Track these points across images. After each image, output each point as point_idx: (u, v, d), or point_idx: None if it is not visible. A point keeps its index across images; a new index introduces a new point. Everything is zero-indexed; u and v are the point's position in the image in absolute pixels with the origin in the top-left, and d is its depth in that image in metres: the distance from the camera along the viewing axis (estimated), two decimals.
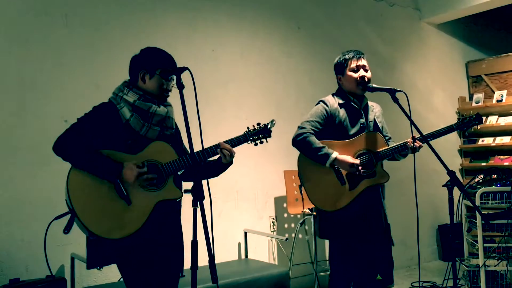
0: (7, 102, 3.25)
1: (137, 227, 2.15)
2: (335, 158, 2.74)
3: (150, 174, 2.17)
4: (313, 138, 2.79)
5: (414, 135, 2.81)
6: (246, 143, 2.43)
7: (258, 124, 2.46)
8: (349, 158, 2.76)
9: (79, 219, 2.09)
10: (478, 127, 2.94)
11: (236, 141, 2.38)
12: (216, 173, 2.43)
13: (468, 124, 2.86)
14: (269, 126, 2.46)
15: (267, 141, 2.47)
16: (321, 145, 2.77)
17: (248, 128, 2.44)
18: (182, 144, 2.46)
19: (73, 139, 2.14)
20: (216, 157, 2.36)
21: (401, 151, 2.82)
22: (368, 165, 2.82)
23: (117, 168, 2.12)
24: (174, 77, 2.21)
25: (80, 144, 2.13)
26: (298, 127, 2.87)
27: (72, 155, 2.14)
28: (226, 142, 2.35)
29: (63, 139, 2.16)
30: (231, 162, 2.36)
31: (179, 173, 2.29)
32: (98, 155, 2.13)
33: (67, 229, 2.14)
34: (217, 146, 2.30)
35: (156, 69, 2.24)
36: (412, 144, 2.77)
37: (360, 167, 2.76)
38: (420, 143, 2.80)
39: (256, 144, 2.45)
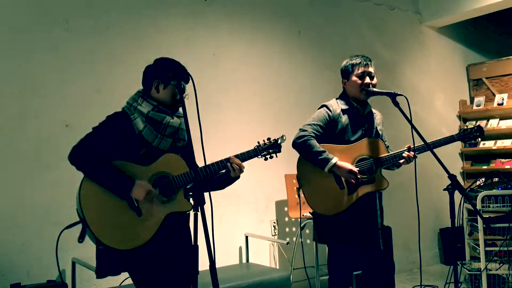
0: (9, 107, 3.26)
1: (147, 238, 2.17)
2: (335, 164, 2.73)
3: (159, 195, 2.19)
4: (314, 142, 2.77)
5: (410, 145, 2.83)
6: (256, 158, 2.46)
7: (269, 139, 2.48)
8: (348, 165, 2.75)
9: (90, 229, 2.11)
10: (479, 139, 2.94)
11: (247, 156, 2.41)
12: (222, 186, 2.44)
13: (469, 136, 2.89)
14: (279, 142, 2.48)
15: (277, 156, 2.48)
16: (321, 149, 2.76)
17: (258, 142, 2.46)
18: (193, 156, 2.46)
19: (88, 151, 2.16)
20: (223, 170, 2.37)
21: (398, 159, 2.83)
22: (368, 171, 2.82)
23: (129, 186, 2.14)
24: (186, 86, 2.24)
25: (94, 157, 2.15)
26: (300, 129, 2.86)
27: (86, 168, 2.16)
28: (236, 156, 2.37)
29: (79, 149, 2.17)
30: (238, 177, 2.39)
31: (188, 186, 2.30)
32: (111, 170, 2.15)
33: (81, 238, 2.16)
34: (227, 160, 2.32)
35: (170, 80, 2.25)
36: (407, 154, 2.79)
37: (358, 176, 2.76)
38: (413, 153, 2.80)
39: (266, 159, 2.47)
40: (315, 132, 2.82)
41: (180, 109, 2.35)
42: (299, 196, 2.86)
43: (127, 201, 2.17)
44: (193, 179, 2.24)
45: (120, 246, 2.13)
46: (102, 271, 2.21)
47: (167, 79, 2.25)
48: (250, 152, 2.42)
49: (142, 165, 2.21)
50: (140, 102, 2.25)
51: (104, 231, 2.12)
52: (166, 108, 2.27)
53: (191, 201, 2.29)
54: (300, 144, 2.79)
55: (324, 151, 2.76)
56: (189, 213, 2.36)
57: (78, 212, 2.17)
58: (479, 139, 2.93)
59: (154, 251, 2.20)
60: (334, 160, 2.73)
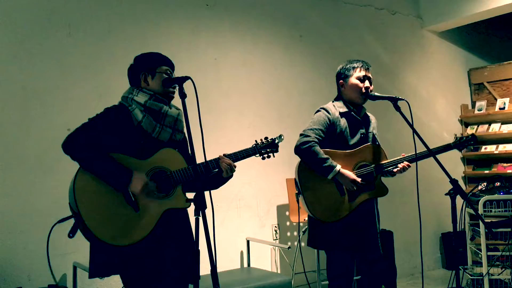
0: (11, 111, 3.26)
1: (144, 235, 2.11)
2: (338, 171, 2.73)
3: (155, 190, 2.15)
4: (318, 148, 2.75)
5: (404, 154, 2.91)
6: (254, 156, 2.44)
7: (266, 138, 2.47)
8: (351, 174, 2.76)
9: (85, 223, 2.03)
10: (472, 148, 3.29)
11: (245, 154, 2.38)
12: (215, 186, 2.40)
13: (464, 144, 3.06)
14: (276, 141, 2.48)
15: (274, 156, 2.48)
16: (325, 156, 2.74)
17: (256, 141, 2.45)
18: (188, 152, 2.42)
19: (85, 140, 2.10)
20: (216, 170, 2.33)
21: (396, 168, 2.87)
22: (368, 177, 2.82)
23: (126, 177, 2.08)
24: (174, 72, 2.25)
25: (91, 146, 2.09)
26: (301, 134, 2.82)
27: (82, 157, 2.09)
28: (234, 154, 2.34)
29: (75, 138, 2.11)
30: (231, 176, 2.35)
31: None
32: (109, 160, 2.09)
33: (72, 233, 2.09)
34: (217, 159, 2.28)
35: (155, 68, 2.26)
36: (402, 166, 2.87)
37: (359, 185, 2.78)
38: (408, 164, 2.88)
39: (263, 158, 2.46)
40: (317, 137, 2.78)
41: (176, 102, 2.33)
42: (298, 201, 2.86)
43: (123, 194, 2.10)
44: (193, 176, 2.20)
45: (115, 242, 2.06)
46: (95, 271, 2.12)
47: (152, 69, 2.26)
48: (248, 150, 2.40)
49: (139, 158, 2.16)
50: (136, 93, 2.23)
51: (99, 226, 2.04)
52: (162, 98, 2.25)
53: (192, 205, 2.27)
54: (304, 150, 2.75)
55: (328, 158, 2.73)
56: (187, 212, 2.31)
57: (71, 206, 2.10)
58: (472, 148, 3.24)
59: (149, 250, 2.14)
60: (338, 167, 2.73)
